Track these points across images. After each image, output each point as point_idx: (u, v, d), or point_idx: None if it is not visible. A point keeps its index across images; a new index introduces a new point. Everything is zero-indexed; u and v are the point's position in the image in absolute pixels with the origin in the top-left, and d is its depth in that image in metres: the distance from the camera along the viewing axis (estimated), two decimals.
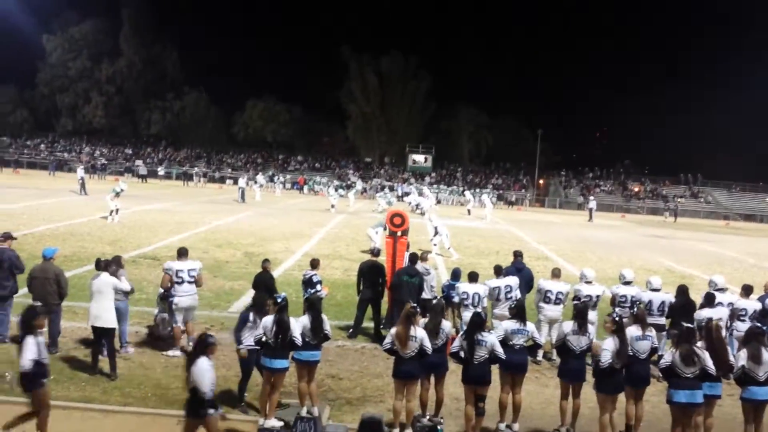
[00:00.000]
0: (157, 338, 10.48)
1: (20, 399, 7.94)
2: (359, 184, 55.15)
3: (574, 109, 67.25)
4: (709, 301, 10.14)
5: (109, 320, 9.05)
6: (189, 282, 10.03)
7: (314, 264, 11.25)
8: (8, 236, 10.59)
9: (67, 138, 70.16)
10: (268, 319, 7.67)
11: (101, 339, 9.05)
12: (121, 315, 9.61)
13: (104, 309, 9.01)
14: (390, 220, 12.91)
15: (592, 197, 47.55)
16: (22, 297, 10.64)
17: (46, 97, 71.15)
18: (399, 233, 12.72)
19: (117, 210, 24.39)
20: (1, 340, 10.00)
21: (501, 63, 69.73)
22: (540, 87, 67.57)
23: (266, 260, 11.04)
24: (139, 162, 62.06)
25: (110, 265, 9.66)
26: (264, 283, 10.39)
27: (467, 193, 47.72)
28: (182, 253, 10.32)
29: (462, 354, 7.47)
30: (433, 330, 7.79)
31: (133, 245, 18.95)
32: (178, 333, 10.09)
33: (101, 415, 7.72)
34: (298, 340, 7.50)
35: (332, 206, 36.61)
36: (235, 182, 55.23)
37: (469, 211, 41.30)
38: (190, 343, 10.04)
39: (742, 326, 9.94)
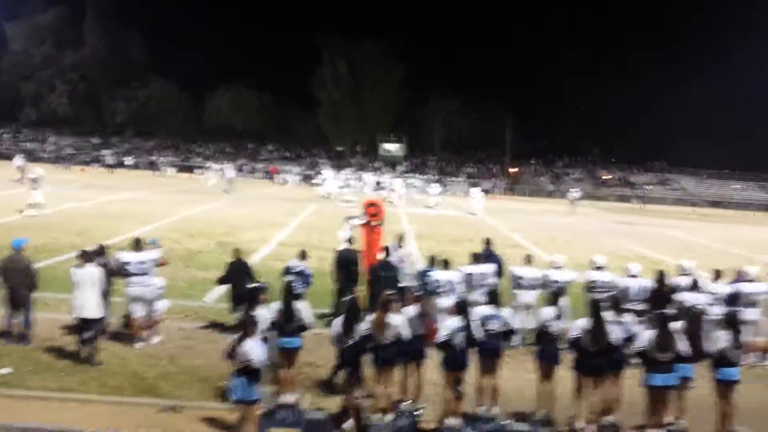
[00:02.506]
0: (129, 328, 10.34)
1: (15, 392, 7.85)
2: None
3: (544, 97, 67.70)
4: (693, 285, 10.35)
5: (94, 311, 8.95)
6: (139, 274, 9.87)
7: (303, 255, 11.04)
8: None
9: (32, 127, 68.55)
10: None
11: (87, 329, 8.92)
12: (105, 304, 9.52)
13: (89, 300, 8.89)
14: (365, 209, 12.94)
15: (575, 189, 47.04)
16: None
17: (8, 86, 69.27)
18: (373, 223, 12.78)
19: (35, 204, 22.20)
20: None
21: (474, 50, 69.78)
22: (512, 75, 67.79)
23: (237, 249, 10.91)
24: (105, 151, 60.96)
25: (99, 255, 9.58)
26: (241, 272, 10.30)
27: (432, 186, 43.82)
28: (135, 244, 10.22)
29: (457, 340, 7.48)
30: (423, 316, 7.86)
31: (102, 235, 18.59)
32: (135, 324, 9.90)
33: (79, 404, 7.63)
34: (264, 331, 7.42)
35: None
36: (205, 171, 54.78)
37: (432, 206, 37.45)
38: (155, 338, 9.94)
39: (715, 310, 10.18)
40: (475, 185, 48.54)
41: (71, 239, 17.48)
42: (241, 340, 6.76)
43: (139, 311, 9.87)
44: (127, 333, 10.10)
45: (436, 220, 30.12)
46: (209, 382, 8.60)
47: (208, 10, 70.06)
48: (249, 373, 6.70)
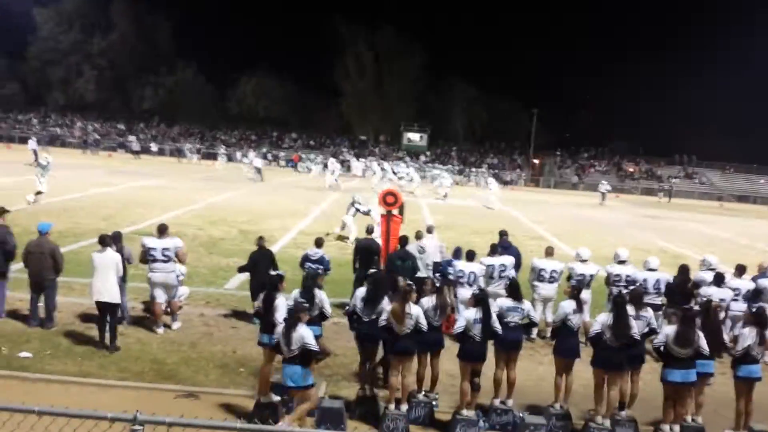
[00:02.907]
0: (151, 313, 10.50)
1: (12, 373, 8.00)
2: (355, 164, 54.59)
3: (570, 88, 66.90)
4: (718, 280, 10.21)
5: (114, 295, 9.06)
6: (162, 260, 9.95)
7: (319, 243, 11.10)
8: (2, 211, 10.55)
9: (59, 112, 69.50)
10: (262, 295, 7.72)
11: (106, 314, 9.04)
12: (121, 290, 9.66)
13: (109, 284, 8.99)
14: (383, 198, 12.93)
15: (605, 181, 46.49)
16: (18, 273, 10.67)
17: (38, 71, 70.15)
18: (392, 212, 12.76)
19: (39, 193, 21.23)
20: None
21: (497, 40, 69.08)
22: (536, 65, 67.06)
23: (261, 237, 10.99)
24: (132, 137, 61.64)
25: (116, 241, 9.69)
26: (265, 261, 10.36)
27: (444, 174, 43.07)
28: (161, 231, 10.26)
29: (474, 332, 7.47)
30: (442, 307, 7.86)
31: (128, 221, 18.89)
32: (157, 310, 10.02)
33: (99, 389, 7.75)
34: (279, 320, 7.44)
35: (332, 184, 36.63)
36: (230, 159, 55.17)
37: (446, 195, 36.33)
38: (176, 324, 10.06)
39: (736, 305, 10.04)
40: (495, 176, 48.06)
41: (96, 224, 17.73)
42: (291, 327, 6.82)
43: (161, 297, 9.99)
44: (148, 318, 10.26)
45: (457, 210, 30.01)
46: (228, 368, 8.70)
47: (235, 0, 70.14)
48: (305, 358, 6.82)
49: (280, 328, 7.06)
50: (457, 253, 11.04)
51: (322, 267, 10.47)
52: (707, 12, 65.08)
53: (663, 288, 10.45)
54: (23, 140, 59.29)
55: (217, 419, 6.80)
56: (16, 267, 10.56)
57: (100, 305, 9.06)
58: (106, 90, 69.93)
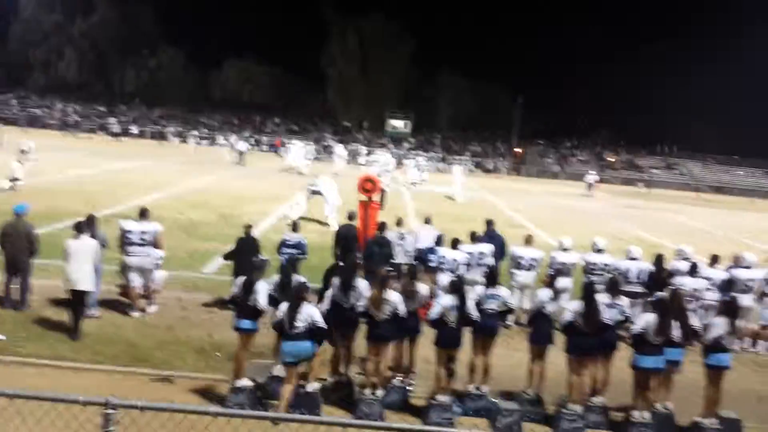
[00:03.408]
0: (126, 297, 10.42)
1: (9, 358, 7.94)
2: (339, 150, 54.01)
3: (552, 77, 66.96)
4: (692, 270, 10.36)
5: (89, 284, 8.91)
6: (139, 244, 9.87)
7: (295, 227, 11.12)
8: None
9: (40, 93, 68.39)
10: (240, 280, 7.70)
11: (78, 301, 8.89)
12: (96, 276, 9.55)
13: (84, 272, 8.81)
14: (361, 185, 12.94)
15: (593, 171, 45.81)
16: None
17: (18, 52, 68.95)
18: (369, 198, 12.79)
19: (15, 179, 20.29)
20: None
21: (483, 28, 68.95)
22: (521, 53, 66.95)
23: (249, 225, 10.91)
24: (112, 119, 60.84)
25: (91, 225, 9.54)
26: (250, 248, 10.31)
27: (409, 162, 41.65)
28: (142, 214, 10.21)
29: (450, 318, 7.52)
30: (407, 294, 7.87)
31: (106, 204, 18.71)
32: (132, 293, 9.96)
33: (73, 372, 7.72)
34: (261, 304, 7.48)
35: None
36: (212, 143, 54.72)
37: (414, 183, 35.55)
38: (152, 308, 10.00)
39: (709, 295, 10.20)
40: (457, 164, 44.92)
41: (76, 206, 17.52)
42: (296, 307, 7.06)
43: (137, 281, 9.92)
44: (123, 302, 10.19)
45: (438, 198, 30.07)
46: (204, 353, 8.70)
47: None
48: (314, 335, 7.10)
49: (283, 306, 7.20)
50: (438, 240, 11.10)
51: (299, 251, 10.48)
52: (690, 4, 65.49)
53: (646, 278, 10.57)
54: (3, 121, 58.50)
55: (192, 403, 6.84)
56: None
57: (73, 293, 8.88)
58: (87, 72, 68.98)
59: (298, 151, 39.03)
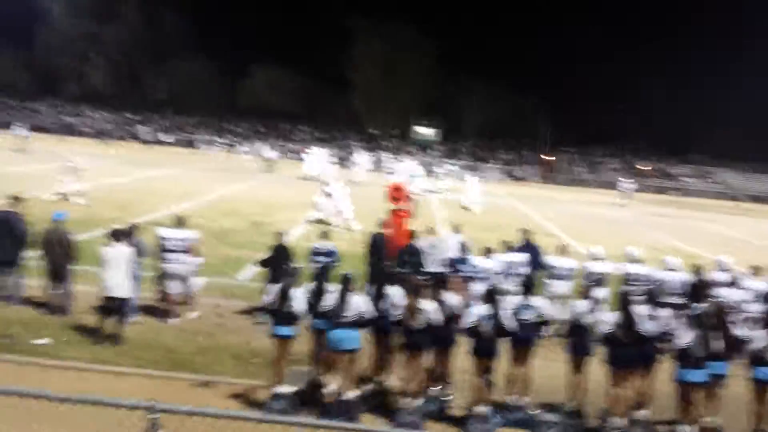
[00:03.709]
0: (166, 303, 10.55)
1: (30, 359, 8.07)
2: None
3: (584, 85, 66.33)
4: (732, 282, 10.17)
5: (125, 290, 9.03)
6: (177, 251, 10.00)
7: (326, 235, 11.16)
8: (16, 198, 10.63)
9: (72, 102, 69.75)
10: (275, 287, 7.72)
11: (113, 308, 9.00)
12: (135, 283, 9.69)
13: (119, 279, 8.95)
14: (390, 193, 12.94)
15: (627, 180, 43.97)
16: (34, 260, 10.72)
17: (50, 61, 70.32)
18: (399, 207, 12.78)
19: (70, 192, 20.50)
20: (14, 302, 10.08)
21: (510, 36, 68.67)
22: (550, 61, 66.56)
23: (280, 233, 10.96)
24: (143, 128, 61.85)
25: (130, 234, 9.71)
26: (283, 256, 10.36)
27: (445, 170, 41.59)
28: (179, 222, 10.36)
29: (485, 328, 7.47)
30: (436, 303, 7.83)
31: (141, 211, 18.96)
32: (171, 300, 10.11)
33: (114, 376, 7.82)
34: (297, 310, 7.51)
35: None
36: (237, 151, 55.16)
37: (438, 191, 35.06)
38: (192, 314, 10.09)
39: (752, 307, 9.97)
40: (474, 173, 42.88)
41: (110, 213, 17.81)
42: (344, 296, 7.40)
43: (175, 287, 10.04)
44: (163, 308, 10.30)
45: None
46: (242, 359, 8.76)
47: None
48: (361, 324, 7.47)
49: (332, 296, 7.52)
50: (463, 248, 11.03)
51: (331, 259, 10.49)
52: (725, 8, 64.38)
53: (685, 289, 10.38)
54: (36, 129, 59.74)
55: (232, 409, 6.88)
56: (33, 255, 10.62)
57: (110, 300, 8.97)
58: (118, 80, 70.11)
59: (317, 158, 37.84)
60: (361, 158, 41.65)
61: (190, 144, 57.94)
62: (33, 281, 10.62)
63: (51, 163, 30.12)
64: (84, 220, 16.35)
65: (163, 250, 10.04)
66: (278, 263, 10.15)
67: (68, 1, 68.49)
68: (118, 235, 9.26)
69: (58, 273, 9.85)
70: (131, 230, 10.01)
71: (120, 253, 9.07)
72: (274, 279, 9.95)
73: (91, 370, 7.95)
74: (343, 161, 44.86)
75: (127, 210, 18.97)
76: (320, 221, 19.17)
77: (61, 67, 69.88)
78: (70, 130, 60.09)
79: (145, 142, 55.46)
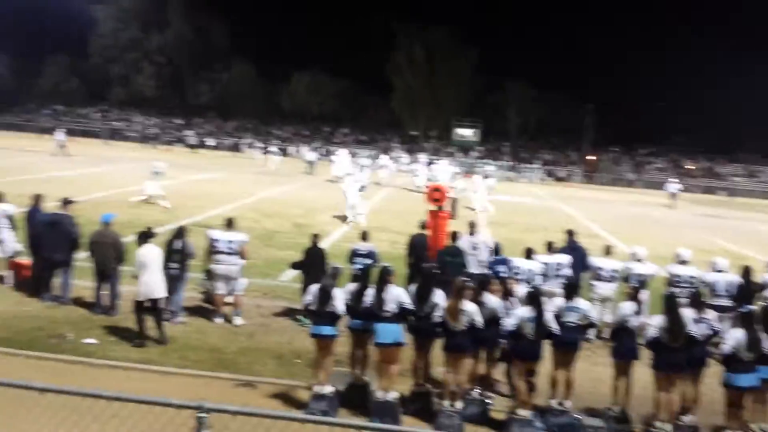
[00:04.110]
0: (210, 304, 10.76)
1: (78, 358, 8.29)
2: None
3: (627, 82, 65.01)
4: None
5: (161, 290, 9.19)
6: (227, 252, 10.15)
7: (366, 237, 11.20)
8: (68, 201, 10.95)
9: (120, 107, 71.60)
10: (315, 287, 7.77)
11: (155, 309, 9.14)
12: (180, 283, 9.90)
13: (158, 279, 9.11)
14: (430, 194, 12.90)
15: (674, 180, 41.79)
16: (83, 261, 11.05)
17: (99, 67, 72.29)
18: (439, 207, 12.72)
19: (157, 196, 21.26)
20: (63, 302, 10.40)
21: (551, 35, 67.79)
22: (591, 60, 65.39)
23: (316, 234, 11.05)
24: (188, 132, 63.08)
25: (180, 235, 10.03)
26: (317, 259, 10.45)
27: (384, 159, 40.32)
28: (227, 224, 10.51)
29: (527, 330, 7.40)
30: (477, 304, 7.78)
31: (186, 213, 19.35)
32: (218, 300, 10.28)
33: (160, 376, 7.98)
34: (338, 310, 7.57)
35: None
36: (284, 153, 55.70)
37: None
38: (238, 319, 10.22)
39: None
40: (482, 172, 40.03)
41: (156, 216, 18.23)
42: (382, 289, 7.50)
43: (222, 288, 10.22)
44: (208, 308, 10.49)
45: (509, 207, 29.70)
46: (284, 359, 8.84)
47: None
48: (402, 317, 7.53)
49: (370, 291, 7.61)
50: (497, 250, 10.94)
51: (371, 260, 10.49)
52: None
53: (734, 291, 10.09)
54: (85, 134, 61.55)
55: (274, 409, 6.95)
56: (81, 256, 10.95)
57: (149, 301, 9.10)
58: (163, 86, 71.60)
59: (343, 159, 36.37)
60: (387, 161, 41.48)
61: (234, 147, 58.78)
62: (82, 282, 10.94)
63: (98, 167, 31.01)
64: (131, 222, 16.75)
65: (213, 251, 10.20)
66: (312, 265, 10.26)
67: (118, 9, 70.32)
68: (146, 237, 9.38)
69: (105, 274, 10.11)
70: (182, 231, 10.21)
71: (153, 253, 9.21)
72: (309, 280, 10.09)
73: (137, 369, 8.13)
74: (377, 162, 44.79)
75: (173, 212, 19.38)
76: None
77: (109, 73, 71.74)
78: (117, 135, 61.74)
79: (191, 146, 56.49)
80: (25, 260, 11.24)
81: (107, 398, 4.15)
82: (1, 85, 69.77)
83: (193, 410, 3.93)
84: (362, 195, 21.86)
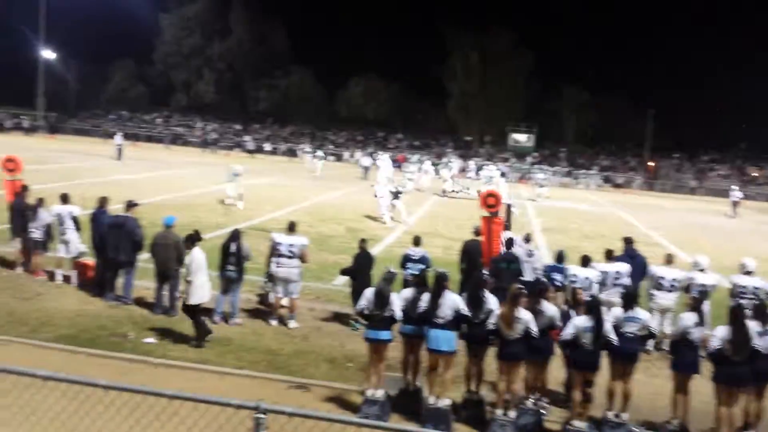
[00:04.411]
0: (267, 306, 10.95)
1: (138, 357, 8.54)
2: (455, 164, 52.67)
3: (689, 87, 63.04)
4: None
5: (207, 293, 9.37)
6: (287, 256, 10.29)
7: (418, 242, 11.18)
8: (132, 204, 11.32)
9: (182, 113, 73.66)
10: (370, 291, 7.80)
11: (199, 310, 9.28)
12: (237, 285, 10.12)
13: (203, 282, 9.25)
14: (484, 200, 12.78)
15: (735, 187, 39.62)
16: (144, 263, 11.41)
17: (162, 73, 74.55)
18: (493, 214, 12.59)
19: (236, 197, 22.69)
20: (125, 302, 10.75)
21: (608, 39, 66.18)
22: (650, 64, 63.62)
23: (363, 240, 11.09)
24: (247, 137, 64.34)
25: (235, 238, 10.25)
26: (368, 263, 10.51)
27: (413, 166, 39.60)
28: (289, 228, 10.68)
29: (585, 340, 7.27)
30: (533, 312, 7.66)
31: (244, 217, 19.75)
32: (276, 303, 10.46)
33: (216, 376, 8.14)
34: (397, 314, 7.58)
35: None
36: (338, 159, 56.24)
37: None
38: (293, 322, 10.35)
39: None
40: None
41: (216, 219, 18.68)
42: (438, 295, 7.46)
43: (281, 291, 10.40)
44: (263, 310, 10.68)
45: (566, 213, 29.20)
46: (336, 362, 8.91)
47: (344, 1, 71.46)
48: (457, 324, 7.51)
49: (426, 296, 7.60)
50: (559, 258, 10.75)
51: (424, 266, 10.46)
52: None
53: None
54: (148, 138, 63.55)
55: (327, 411, 7.01)
56: (143, 257, 11.30)
57: (198, 305, 9.24)
58: (224, 92, 73.26)
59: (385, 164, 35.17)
60: (428, 166, 40.84)
61: (290, 152, 59.63)
62: (143, 282, 11.29)
63: (160, 171, 31.93)
64: (191, 225, 17.16)
65: (275, 254, 10.37)
66: (360, 270, 10.32)
67: (181, 18, 72.39)
68: (193, 241, 9.51)
69: (166, 275, 10.40)
70: (237, 234, 10.43)
71: (200, 257, 9.33)
72: (358, 286, 10.15)
73: (194, 369, 8.32)
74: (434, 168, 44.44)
75: (232, 216, 19.79)
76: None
77: (172, 79, 73.93)
78: (178, 140, 63.47)
79: (249, 151, 57.59)
80: (90, 261, 11.68)
81: (168, 396, 4.25)
82: (70, 91, 72.86)
83: (251, 410, 3.99)
84: (400, 199, 22.25)
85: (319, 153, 44.72)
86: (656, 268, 10.63)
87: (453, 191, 33.50)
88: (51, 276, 11.79)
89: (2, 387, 4.66)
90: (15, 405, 5.28)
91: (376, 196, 22.19)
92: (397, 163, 57.63)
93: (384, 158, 36.28)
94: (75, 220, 11.67)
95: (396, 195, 22.14)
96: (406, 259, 10.72)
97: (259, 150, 59.02)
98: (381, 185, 22.64)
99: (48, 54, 63.77)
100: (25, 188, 12.65)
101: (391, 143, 67.52)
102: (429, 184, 36.80)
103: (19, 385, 4.48)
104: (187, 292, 9.21)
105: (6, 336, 8.88)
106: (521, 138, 63.97)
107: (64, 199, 11.89)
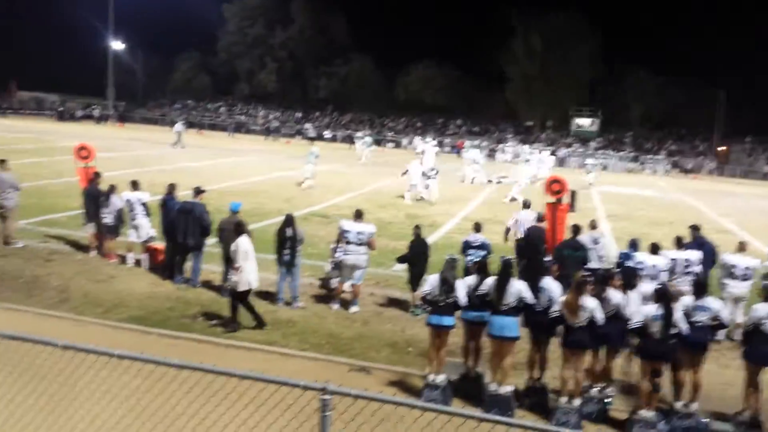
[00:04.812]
0: (328, 290, 11.12)
1: (206, 338, 8.80)
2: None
3: (759, 68, 60.06)
4: None
5: (255, 281, 9.49)
6: (356, 243, 10.39)
7: (478, 227, 11.11)
8: (199, 191, 11.63)
9: (244, 101, 75.06)
10: (434, 277, 7.79)
11: (245, 297, 9.41)
12: (295, 269, 10.29)
13: (251, 268, 9.39)
14: (549, 186, 12.57)
15: None
16: (211, 247, 11.73)
17: (226, 63, 76.06)
18: (558, 200, 12.38)
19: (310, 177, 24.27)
20: (194, 285, 11.09)
21: (675, 19, 63.73)
22: (720, 44, 60.87)
23: (417, 226, 10.99)
24: (308, 125, 65.07)
25: (290, 223, 10.34)
26: (423, 250, 10.51)
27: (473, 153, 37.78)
28: (358, 215, 10.77)
29: (654, 329, 7.08)
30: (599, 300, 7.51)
31: (305, 203, 20.04)
32: (339, 287, 10.62)
33: (281, 357, 8.33)
34: (461, 300, 7.57)
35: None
36: (397, 145, 56.28)
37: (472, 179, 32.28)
38: (354, 307, 10.45)
39: None
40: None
41: (278, 205, 19.00)
42: (504, 282, 7.43)
43: (346, 276, 10.53)
44: (325, 294, 10.84)
45: (633, 200, 28.42)
46: (397, 347, 8.98)
47: None
48: (520, 310, 7.55)
49: (490, 280, 7.60)
50: (633, 245, 10.48)
51: (485, 252, 10.37)
52: None
53: None
54: (212, 127, 65.04)
55: (389, 395, 7.07)
56: (211, 242, 11.61)
57: (248, 292, 9.40)
58: (285, 80, 74.25)
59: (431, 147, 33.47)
60: (477, 155, 39.36)
61: (349, 139, 60.03)
62: (210, 266, 11.61)
63: (224, 159, 32.65)
64: (254, 211, 17.56)
65: (342, 241, 10.48)
66: (416, 257, 10.31)
67: (244, 8, 73.58)
68: (239, 230, 9.64)
69: (231, 259, 10.64)
70: (291, 220, 10.51)
71: (246, 244, 9.44)
72: (414, 272, 10.29)
73: (260, 350, 8.53)
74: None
75: (292, 202, 20.10)
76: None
77: (235, 69, 75.35)
78: (241, 128, 64.75)
79: (310, 138, 58.25)
80: (160, 245, 12.08)
81: (239, 376, 4.36)
82: (138, 82, 75.25)
83: (317, 392, 4.05)
84: (433, 180, 23.21)
85: (367, 139, 44.45)
86: (728, 256, 10.26)
87: (489, 181, 32.56)
88: (123, 260, 12.27)
89: (81, 366, 4.86)
90: (93, 382, 5.51)
91: (406, 173, 23.32)
92: (456, 150, 57.38)
93: (429, 143, 36.01)
94: (145, 205, 12.08)
95: (429, 176, 23.10)
96: (467, 246, 10.66)
97: (319, 137, 59.60)
98: (414, 165, 23.68)
99: (117, 46, 65.98)
100: (97, 175, 13.14)
101: (450, 129, 67.07)
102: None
103: (97, 364, 4.66)
104: (235, 279, 9.31)
105: (82, 316, 9.30)
106: (585, 122, 62.49)
107: (134, 185, 12.31)
